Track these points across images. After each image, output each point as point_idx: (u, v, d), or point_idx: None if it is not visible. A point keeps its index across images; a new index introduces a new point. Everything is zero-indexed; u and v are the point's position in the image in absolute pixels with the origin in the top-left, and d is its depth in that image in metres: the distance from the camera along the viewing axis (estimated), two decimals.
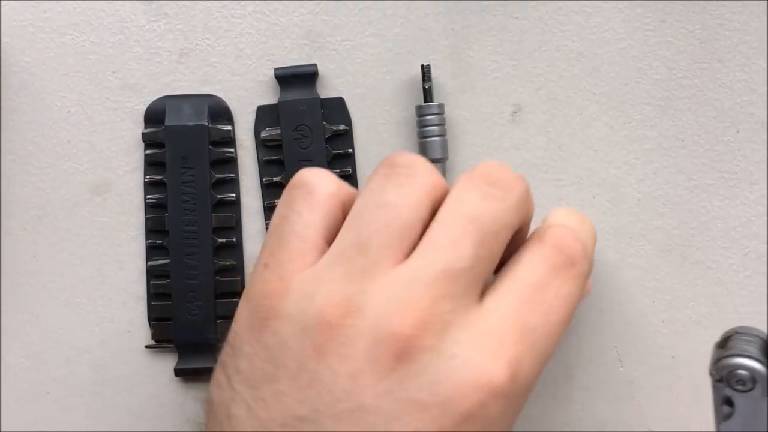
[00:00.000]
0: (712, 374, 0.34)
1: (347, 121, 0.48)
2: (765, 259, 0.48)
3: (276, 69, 0.48)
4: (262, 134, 0.48)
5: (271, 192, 0.49)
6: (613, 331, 0.48)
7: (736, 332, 0.35)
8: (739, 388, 0.33)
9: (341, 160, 0.48)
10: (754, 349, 0.33)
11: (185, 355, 0.49)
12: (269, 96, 0.49)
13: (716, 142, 0.47)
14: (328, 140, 0.48)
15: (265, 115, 0.48)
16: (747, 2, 0.46)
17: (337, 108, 0.48)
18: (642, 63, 0.47)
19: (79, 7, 0.48)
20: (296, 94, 0.48)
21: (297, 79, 0.48)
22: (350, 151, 0.48)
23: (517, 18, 0.47)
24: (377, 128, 0.48)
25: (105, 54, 0.48)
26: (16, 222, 0.49)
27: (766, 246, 0.47)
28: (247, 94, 0.49)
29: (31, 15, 0.48)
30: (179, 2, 0.48)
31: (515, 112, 0.48)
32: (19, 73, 0.49)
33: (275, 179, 0.48)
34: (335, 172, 0.48)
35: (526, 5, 0.47)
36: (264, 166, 0.49)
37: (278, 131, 0.48)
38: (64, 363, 0.50)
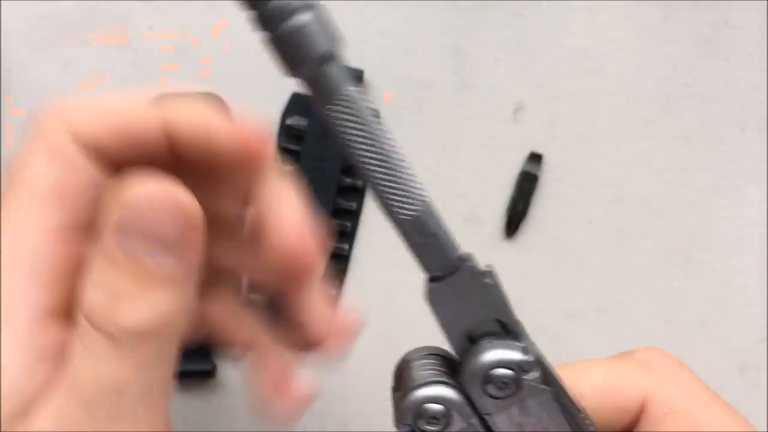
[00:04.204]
0: (400, 428, 0.25)
1: None
2: (766, 259, 0.47)
3: None
4: (288, 121, 0.48)
5: None
6: (614, 332, 0.47)
7: (406, 362, 0.28)
8: (434, 429, 0.24)
9: (355, 172, 0.48)
10: (433, 373, 0.26)
11: (182, 357, 0.48)
12: (270, 94, 0.48)
13: (720, 141, 0.47)
14: None
15: (297, 103, 0.48)
16: (752, 1, 0.46)
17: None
18: (646, 61, 0.46)
19: (76, 7, 0.48)
20: None
21: None
22: None
23: (519, 15, 0.47)
24: None
25: (103, 53, 0.48)
26: None
27: (766, 245, 0.47)
28: (247, 93, 0.48)
29: (29, 14, 0.48)
30: (178, 1, 0.48)
31: (517, 110, 0.47)
32: (16, 72, 0.48)
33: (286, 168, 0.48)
34: (346, 183, 0.48)
35: (529, 3, 0.47)
36: (280, 152, 0.48)
37: (305, 122, 0.48)
38: None
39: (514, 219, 0.48)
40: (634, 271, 0.47)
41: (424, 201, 0.23)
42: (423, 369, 0.26)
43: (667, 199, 0.47)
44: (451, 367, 0.26)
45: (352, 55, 0.47)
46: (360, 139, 0.22)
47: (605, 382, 0.26)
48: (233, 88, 0.48)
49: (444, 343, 0.27)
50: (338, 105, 0.22)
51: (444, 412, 0.24)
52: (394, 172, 0.22)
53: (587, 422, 0.24)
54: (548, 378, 0.24)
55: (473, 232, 0.48)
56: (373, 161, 0.22)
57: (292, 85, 0.48)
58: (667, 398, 0.26)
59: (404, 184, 0.23)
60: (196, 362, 0.48)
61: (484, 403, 0.24)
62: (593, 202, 0.47)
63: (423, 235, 0.23)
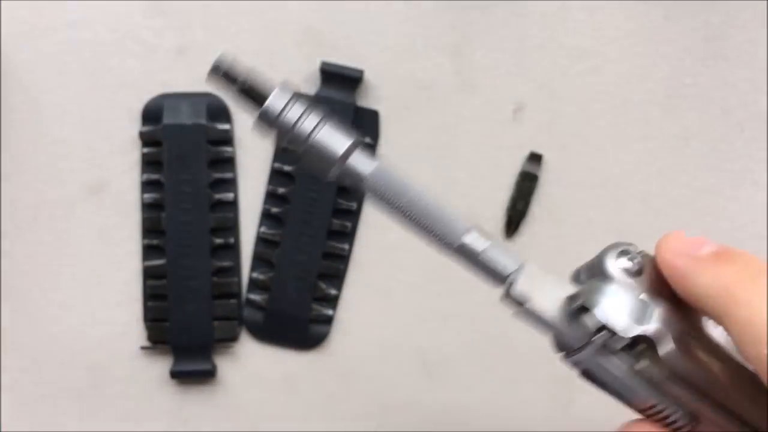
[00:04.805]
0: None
1: (375, 135, 0.48)
2: (766, 258, 0.47)
3: (323, 63, 0.47)
4: None
5: (276, 180, 0.48)
6: None
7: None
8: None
9: None
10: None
11: (181, 357, 0.48)
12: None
13: (721, 141, 0.47)
14: None
15: None
16: (752, 1, 0.46)
17: (369, 120, 0.48)
18: (645, 61, 0.46)
19: (76, 6, 0.48)
20: (334, 94, 0.47)
21: (340, 79, 0.47)
22: None
23: (519, 15, 0.47)
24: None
25: (101, 52, 0.48)
26: (11, 222, 0.49)
27: (767, 245, 0.47)
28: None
29: (28, 13, 0.48)
30: (176, 0, 0.48)
31: (517, 110, 0.47)
32: (15, 71, 0.48)
33: (286, 168, 0.48)
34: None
35: (528, 3, 0.46)
36: (279, 152, 0.48)
37: None
38: (59, 364, 0.49)
39: (514, 218, 0.48)
40: None
41: (463, 230, 0.27)
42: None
43: (667, 199, 0.47)
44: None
45: (352, 55, 0.47)
46: (395, 202, 0.28)
47: None
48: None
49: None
50: (370, 184, 0.27)
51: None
52: (432, 216, 0.27)
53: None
54: None
55: None
56: (412, 214, 0.28)
57: (293, 86, 0.48)
58: None
59: (443, 221, 0.27)
60: (197, 362, 0.48)
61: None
62: (593, 201, 0.47)
63: (475, 256, 0.27)
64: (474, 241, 0.27)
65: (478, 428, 0.50)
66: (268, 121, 0.26)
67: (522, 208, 0.48)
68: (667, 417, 0.27)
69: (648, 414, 0.28)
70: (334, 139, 0.26)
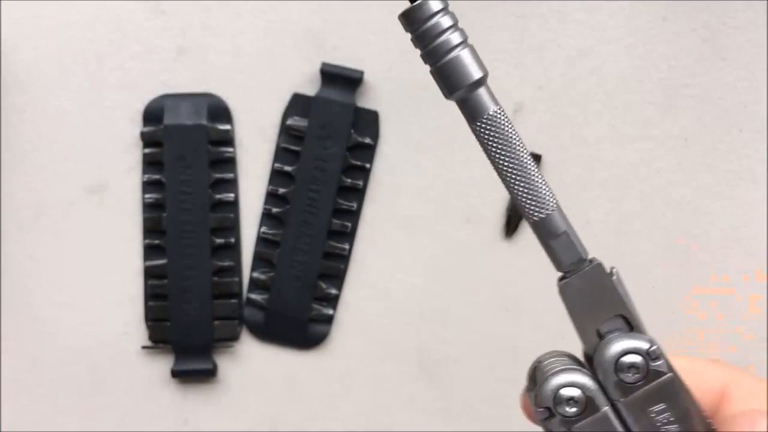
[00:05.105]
0: (538, 414, 0.27)
1: (374, 136, 0.48)
2: (766, 259, 0.47)
3: (324, 64, 0.47)
4: (288, 121, 0.48)
5: (277, 180, 0.48)
6: None
7: (539, 362, 0.30)
8: (573, 411, 0.26)
9: (355, 172, 0.48)
10: (567, 363, 0.28)
11: (182, 356, 0.49)
12: (270, 94, 0.48)
13: (719, 142, 0.47)
14: (350, 149, 0.48)
15: (297, 104, 0.48)
16: (750, 1, 0.46)
17: (369, 120, 0.48)
18: (644, 61, 0.46)
19: (76, 6, 0.48)
20: (334, 95, 0.47)
21: (340, 80, 0.47)
22: (368, 166, 0.48)
23: (518, 16, 0.47)
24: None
25: (102, 52, 0.48)
26: (12, 222, 0.49)
27: (766, 246, 0.47)
28: (246, 93, 0.48)
29: (28, 13, 0.48)
30: (177, 0, 0.48)
31: (517, 111, 0.47)
32: (16, 72, 0.48)
33: (286, 168, 0.48)
34: (346, 183, 0.48)
35: (528, 3, 0.47)
36: (280, 153, 0.48)
37: (305, 123, 0.48)
38: (60, 364, 0.49)
39: (514, 219, 0.48)
40: (633, 270, 0.47)
41: (553, 205, 0.27)
42: (557, 363, 0.28)
43: (666, 199, 0.47)
44: (581, 363, 0.28)
45: (352, 56, 0.48)
46: (501, 152, 0.27)
47: (691, 367, 0.28)
48: (234, 88, 0.49)
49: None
50: (484, 124, 0.26)
51: (580, 396, 0.26)
52: (528, 180, 0.26)
53: (701, 410, 0.27)
54: (670, 368, 0.26)
55: (473, 231, 0.48)
56: (511, 171, 0.27)
57: (292, 86, 0.48)
58: (748, 384, 0.29)
59: (537, 190, 0.26)
60: (197, 362, 0.49)
61: (616, 390, 0.26)
62: (592, 202, 0.47)
63: (552, 235, 0.27)
64: (556, 219, 0.27)
65: (478, 428, 0.50)
66: (419, 19, 0.25)
67: None
68: None
69: None
70: (473, 64, 0.26)
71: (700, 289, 0.47)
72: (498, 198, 0.48)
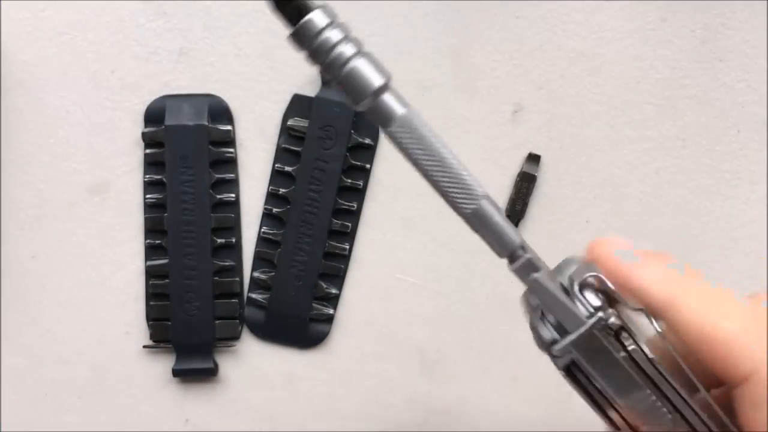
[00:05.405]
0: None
1: (374, 136, 0.48)
2: (765, 259, 0.47)
3: None
4: (289, 122, 0.48)
5: (278, 180, 0.49)
6: None
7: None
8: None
9: (356, 173, 0.48)
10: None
11: (183, 356, 0.49)
12: (271, 95, 0.48)
13: (717, 142, 0.47)
14: (350, 149, 0.48)
15: (298, 105, 0.48)
16: (748, 2, 0.46)
17: (369, 121, 0.48)
18: (643, 62, 0.47)
19: (77, 7, 0.48)
20: (334, 95, 0.48)
21: None
22: (368, 166, 0.48)
23: (517, 17, 0.47)
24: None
25: (104, 53, 0.48)
26: (15, 222, 0.49)
27: (766, 245, 0.47)
28: (247, 94, 0.48)
29: (29, 14, 0.48)
30: (178, 1, 0.48)
31: (516, 111, 0.47)
32: (17, 73, 0.48)
33: (287, 168, 0.48)
34: (347, 184, 0.48)
35: (527, 4, 0.47)
36: (280, 153, 0.49)
37: (306, 123, 0.48)
38: (62, 364, 0.49)
39: (513, 219, 0.48)
40: None
41: (482, 193, 0.26)
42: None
43: (665, 200, 0.47)
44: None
45: None
46: (418, 153, 0.27)
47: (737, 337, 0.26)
48: (235, 89, 0.49)
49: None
50: (395, 128, 0.26)
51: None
52: (452, 174, 0.26)
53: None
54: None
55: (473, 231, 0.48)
56: (432, 169, 0.26)
57: (293, 87, 0.48)
58: None
59: (463, 183, 0.26)
60: (198, 361, 0.49)
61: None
62: (591, 202, 0.47)
63: (485, 226, 0.26)
64: (489, 207, 0.26)
65: (478, 428, 0.50)
66: (306, 37, 0.25)
67: (520, 209, 0.48)
68: (644, 420, 0.27)
69: (624, 417, 0.28)
70: (371, 72, 0.26)
71: None
72: (497, 198, 0.48)
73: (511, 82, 0.47)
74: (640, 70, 0.47)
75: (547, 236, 0.48)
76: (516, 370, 0.49)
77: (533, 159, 0.47)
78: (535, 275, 0.26)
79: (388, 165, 0.48)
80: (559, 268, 0.28)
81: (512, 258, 0.27)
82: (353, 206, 0.49)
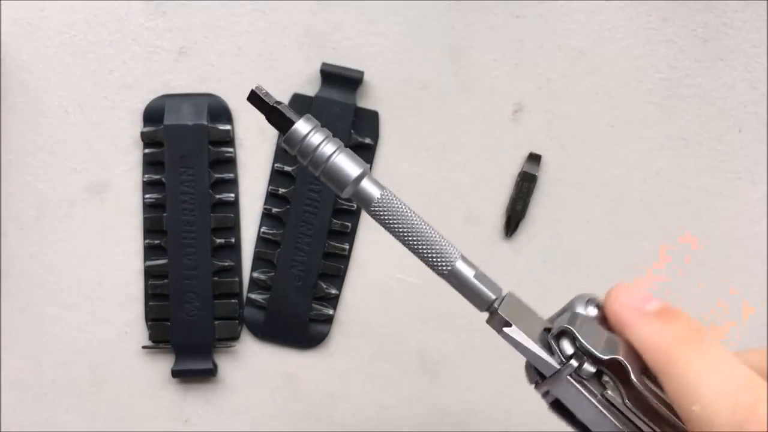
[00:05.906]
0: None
1: (375, 136, 0.48)
2: (765, 259, 0.47)
3: (324, 64, 0.47)
4: None
5: (277, 180, 0.48)
6: None
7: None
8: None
9: None
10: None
11: (182, 356, 0.49)
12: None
13: (718, 142, 0.47)
14: (350, 149, 0.48)
15: (298, 104, 0.48)
16: (749, 2, 0.46)
17: (369, 121, 0.48)
18: (644, 62, 0.47)
19: (77, 6, 0.48)
20: (334, 95, 0.47)
21: (340, 80, 0.47)
22: (368, 166, 0.48)
23: (518, 17, 0.47)
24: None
25: (103, 53, 0.48)
26: (13, 222, 0.49)
27: (766, 246, 0.47)
28: (247, 93, 0.48)
29: (29, 14, 0.48)
30: (178, 1, 0.48)
31: (516, 111, 0.47)
32: (16, 72, 0.48)
33: (286, 168, 0.48)
34: None
35: (528, 4, 0.47)
36: (280, 153, 0.48)
37: None
38: (61, 364, 0.49)
39: (513, 219, 0.48)
40: (632, 270, 0.48)
41: (456, 255, 0.30)
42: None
43: (665, 199, 0.47)
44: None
45: (352, 56, 0.48)
46: (396, 226, 0.31)
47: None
48: (235, 89, 0.49)
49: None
50: (374, 208, 0.31)
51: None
52: (428, 242, 0.31)
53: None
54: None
55: (473, 231, 0.48)
56: (411, 238, 0.31)
57: (293, 86, 0.48)
58: None
59: (438, 247, 0.31)
60: (198, 361, 0.49)
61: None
62: (591, 202, 0.47)
63: (461, 284, 0.30)
64: (463, 267, 0.30)
65: (478, 428, 0.50)
66: (294, 142, 0.30)
67: (521, 208, 0.48)
68: None
69: None
70: (350, 165, 0.31)
71: (698, 289, 0.47)
72: (498, 198, 0.48)
73: (512, 81, 0.47)
74: (641, 70, 0.46)
75: (548, 236, 0.48)
76: (516, 371, 0.49)
77: (534, 159, 0.47)
78: (506, 330, 0.30)
79: (388, 165, 0.48)
80: (571, 305, 0.31)
81: (490, 311, 0.30)
82: (353, 206, 0.48)
